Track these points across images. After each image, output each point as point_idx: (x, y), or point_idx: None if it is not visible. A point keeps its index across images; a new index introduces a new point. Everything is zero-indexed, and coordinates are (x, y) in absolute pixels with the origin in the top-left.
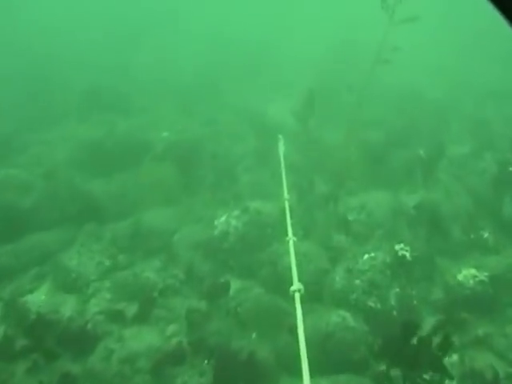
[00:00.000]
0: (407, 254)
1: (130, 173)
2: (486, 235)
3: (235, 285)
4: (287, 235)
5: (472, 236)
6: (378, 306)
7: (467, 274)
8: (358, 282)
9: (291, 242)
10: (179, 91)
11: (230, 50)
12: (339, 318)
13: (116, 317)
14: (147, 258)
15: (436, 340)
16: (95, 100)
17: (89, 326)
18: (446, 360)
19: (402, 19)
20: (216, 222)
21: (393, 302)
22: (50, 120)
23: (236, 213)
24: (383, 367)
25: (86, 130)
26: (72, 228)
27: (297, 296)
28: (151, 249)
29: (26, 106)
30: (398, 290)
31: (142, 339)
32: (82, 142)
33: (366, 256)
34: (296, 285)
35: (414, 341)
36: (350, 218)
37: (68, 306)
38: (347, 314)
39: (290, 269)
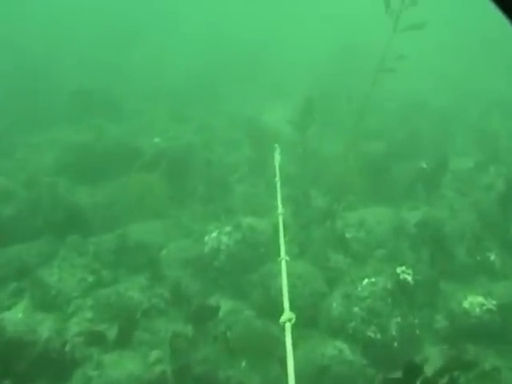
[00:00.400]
0: (409, 278)
1: (118, 181)
2: (492, 257)
3: (225, 306)
4: (280, 254)
5: (478, 258)
6: (378, 336)
7: (473, 302)
8: (356, 309)
9: (283, 263)
10: (174, 93)
11: (228, 51)
12: (336, 350)
13: (96, 339)
14: (132, 275)
15: (441, 381)
16: (86, 101)
17: (67, 348)
18: None
19: (408, 25)
20: (206, 238)
21: (394, 331)
22: (42, 121)
23: (228, 229)
24: None
25: (75, 133)
26: (54, 240)
27: (287, 327)
28: (137, 265)
29: (18, 106)
30: (399, 319)
31: (123, 366)
32: (70, 147)
33: (365, 281)
34: (287, 314)
35: (418, 381)
36: (349, 235)
37: (46, 326)
38: (344, 346)
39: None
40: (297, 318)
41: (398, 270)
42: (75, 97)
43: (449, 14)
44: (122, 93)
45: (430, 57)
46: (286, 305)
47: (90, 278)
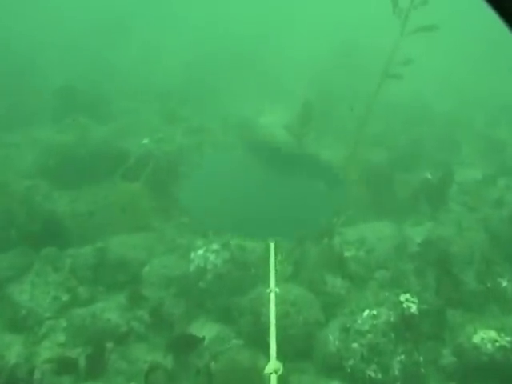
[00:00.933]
0: (414, 308)
1: (101, 186)
2: (504, 284)
3: (210, 332)
4: (271, 278)
5: (489, 285)
6: (379, 376)
7: (485, 337)
8: (355, 345)
9: (272, 296)
10: (169, 89)
11: (225, 48)
12: None
13: (67, 367)
14: (111, 294)
15: None
16: (73, 97)
17: (36, 376)
18: None
19: (418, 28)
20: (192, 255)
21: (396, 371)
22: (25, 119)
23: (215, 246)
24: None
25: (57, 132)
26: (28, 252)
27: (273, 379)
28: (116, 282)
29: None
30: (402, 356)
31: None
32: (50, 147)
33: (366, 313)
34: (273, 364)
35: None
36: (348, 254)
37: (14, 350)
38: None
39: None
40: (290, 350)
41: (402, 297)
42: (61, 93)
43: (453, 14)
44: (113, 89)
45: (433, 58)
46: (273, 352)
47: (65, 297)
